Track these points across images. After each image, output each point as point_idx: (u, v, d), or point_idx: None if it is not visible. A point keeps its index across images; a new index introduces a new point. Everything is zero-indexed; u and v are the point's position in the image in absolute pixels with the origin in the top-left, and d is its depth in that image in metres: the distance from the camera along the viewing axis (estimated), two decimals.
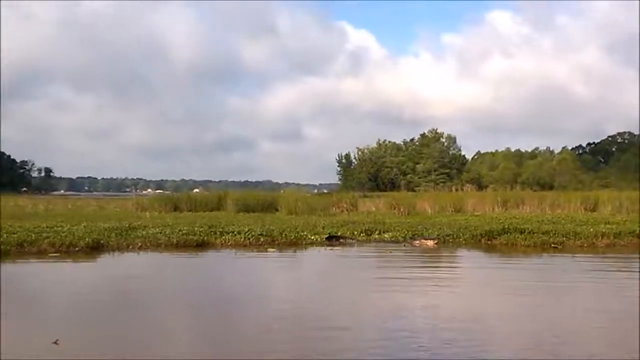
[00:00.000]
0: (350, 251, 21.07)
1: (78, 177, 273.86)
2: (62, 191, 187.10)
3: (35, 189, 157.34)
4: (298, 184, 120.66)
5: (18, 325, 10.20)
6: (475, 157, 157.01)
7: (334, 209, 38.22)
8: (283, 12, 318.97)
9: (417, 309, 11.61)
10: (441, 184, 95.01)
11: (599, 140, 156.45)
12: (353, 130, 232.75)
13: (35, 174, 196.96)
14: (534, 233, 23.14)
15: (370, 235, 24.01)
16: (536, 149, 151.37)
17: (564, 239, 22.47)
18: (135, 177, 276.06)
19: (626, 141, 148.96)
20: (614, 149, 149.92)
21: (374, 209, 39.74)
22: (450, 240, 22.92)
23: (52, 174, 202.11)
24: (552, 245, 21.77)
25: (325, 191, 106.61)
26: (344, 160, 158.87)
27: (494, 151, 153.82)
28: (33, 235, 20.54)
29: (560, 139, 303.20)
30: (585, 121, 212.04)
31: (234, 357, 8.35)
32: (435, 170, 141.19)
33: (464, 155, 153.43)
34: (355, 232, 24.16)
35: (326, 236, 23.09)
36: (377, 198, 47.77)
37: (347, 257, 20.03)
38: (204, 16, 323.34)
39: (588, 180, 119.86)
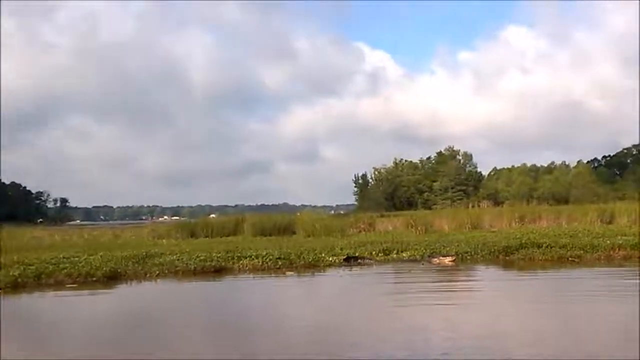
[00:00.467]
0: (369, 271, 20.93)
1: (94, 207, 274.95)
2: (78, 221, 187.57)
3: (51, 220, 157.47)
4: (315, 206, 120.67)
5: None
6: (492, 173, 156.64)
7: (351, 229, 38.07)
8: (300, 34, 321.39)
9: (438, 326, 11.55)
10: (458, 202, 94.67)
11: (614, 153, 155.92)
12: (370, 150, 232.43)
13: (51, 205, 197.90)
14: (551, 247, 23.05)
15: (389, 254, 23.88)
16: (552, 163, 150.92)
17: (582, 252, 22.37)
18: (151, 205, 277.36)
19: None
20: (629, 161, 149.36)
21: (391, 228, 39.62)
22: (468, 257, 22.83)
23: (67, 204, 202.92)
24: (570, 258, 21.70)
25: (342, 212, 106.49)
26: (360, 181, 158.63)
27: (510, 167, 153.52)
28: (50, 266, 20.46)
29: (577, 153, 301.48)
30: (601, 134, 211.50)
31: None
32: (452, 188, 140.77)
33: (480, 172, 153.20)
34: (374, 252, 24.02)
35: (344, 257, 22.98)
36: (395, 217, 47.58)
37: (366, 278, 19.89)
38: (222, 40, 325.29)
39: (604, 193, 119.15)
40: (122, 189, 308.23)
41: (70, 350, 10.85)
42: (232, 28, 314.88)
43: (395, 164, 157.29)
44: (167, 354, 10.35)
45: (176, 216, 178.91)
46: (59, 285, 18.79)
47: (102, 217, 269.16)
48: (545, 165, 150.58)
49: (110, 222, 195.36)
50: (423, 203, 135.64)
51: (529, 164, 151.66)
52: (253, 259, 22.32)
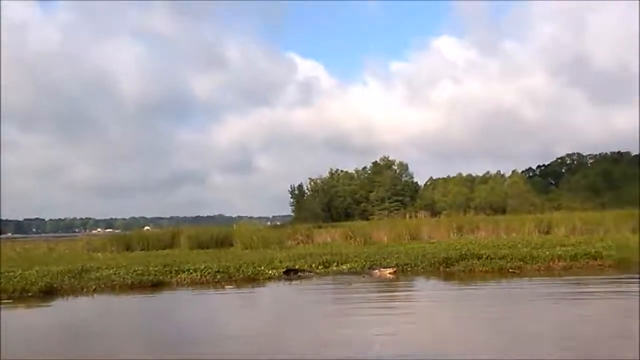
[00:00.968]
0: (309, 285, 20.78)
1: (25, 219, 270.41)
2: (9, 234, 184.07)
3: None
4: (251, 217, 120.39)
5: None
6: (428, 183, 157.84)
7: (289, 241, 37.94)
8: (231, 43, 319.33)
9: (378, 338, 11.43)
10: (395, 212, 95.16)
11: (548, 163, 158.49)
12: (305, 160, 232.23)
13: None
14: (491, 258, 23.19)
15: (329, 267, 23.76)
16: (487, 173, 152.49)
17: (521, 263, 22.57)
18: (84, 217, 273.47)
19: (575, 162, 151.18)
20: (563, 171, 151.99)
21: (329, 239, 39.47)
22: (409, 269, 22.81)
23: None
24: (510, 270, 21.82)
25: (278, 223, 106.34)
26: (296, 191, 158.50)
27: (446, 177, 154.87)
28: None
29: (511, 162, 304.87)
30: (534, 144, 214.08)
31: None
32: (388, 198, 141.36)
33: (416, 182, 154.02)
34: (313, 265, 23.90)
35: (284, 270, 22.75)
36: (332, 228, 47.55)
37: (306, 291, 19.74)
38: (152, 49, 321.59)
39: (540, 202, 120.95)
40: (53, 201, 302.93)
41: None
42: (162, 37, 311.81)
43: (331, 174, 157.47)
44: None
45: (110, 228, 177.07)
46: None
47: (34, 229, 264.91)
48: (481, 175, 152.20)
49: (43, 234, 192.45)
50: (360, 214, 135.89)
51: (464, 174, 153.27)
52: (191, 273, 22.06)
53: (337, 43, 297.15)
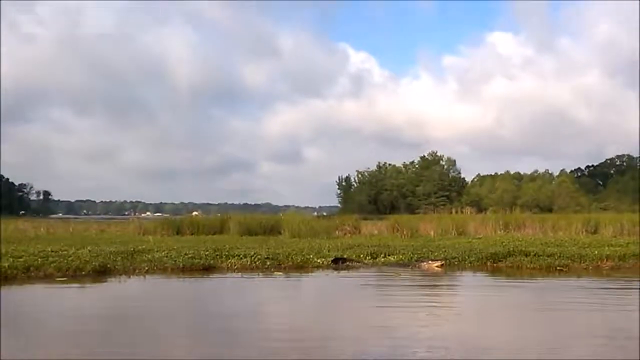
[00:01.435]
0: (357, 274, 20.97)
1: (76, 201, 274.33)
2: (60, 214, 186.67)
3: (34, 212, 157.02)
4: (297, 207, 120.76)
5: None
6: (475, 179, 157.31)
7: (337, 232, 38.21)
8: (285, 33, 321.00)
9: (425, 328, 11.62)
10: (441, 207, 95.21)
11: (597, 163, 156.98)
12: (354, 152, 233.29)
13: (33, 197, 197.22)
14: (539, 256, 23.17)
15: (376, 258, 23.88)
16: (535, 171, 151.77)
17: (569, 261, 22.52)
18: (133, 200, 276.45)
19: (625, 164, 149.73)
20: (612, 172, 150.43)
21: (376, 232, 39.65)
22: (456, 262, 22.89)
23: (50, 197, 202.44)
24: (558, 267, 21.82)
25: (324, 214, 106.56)
26: (344, 183, 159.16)
27: (493, 174, 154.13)
28: (39, 259, 20.41)
29: (561, 162, 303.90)
30: (585, 144, 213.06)
31: None
32: (435, 193, 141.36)
33: (463, 178, 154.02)
34: (362, 255, 24.10)
35: (332, 259, 22.97)
36: (379, 221, 47.74)
37: (355, 280, 19.92)
38: (205, 37, 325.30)
39: (587, 202, 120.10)
40: (104, 184, 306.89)
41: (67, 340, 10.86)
42: (215, 25, 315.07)
43: (379, 167, 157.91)
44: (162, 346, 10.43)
45: (159, 212, 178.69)
46: (48, 278, 18.71)
47: (84, 211, 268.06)
48: (529, 173, 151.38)
49: (93, 216, 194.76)
50: (406, 207, 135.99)
51: (512, 172, 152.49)
52: (241, 258, 22.29)
53: (390, 36, 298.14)
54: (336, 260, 22.84)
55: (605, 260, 22.83)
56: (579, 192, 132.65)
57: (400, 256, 24.00)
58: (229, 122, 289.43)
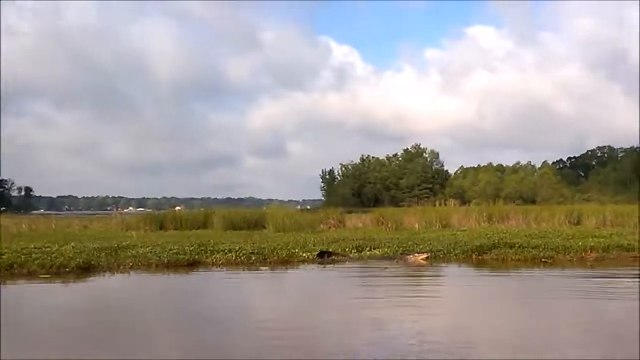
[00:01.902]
0: (343, 267, 20.96)
1: (58, 196, 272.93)
2: (42, 210, 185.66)
3: (15, 209, 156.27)
4: (281, 200, 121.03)
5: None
6: (458, 171, 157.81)
7: (321, 225, 38.17)
8: (267, 27, 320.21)
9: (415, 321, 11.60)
10: (425, 199, 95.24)
11: (579, 155, 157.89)
12: (337, 145, 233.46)
13: (14, 193, 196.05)
14: (523, 247, 23.20)
15: (362, 251, 23.85)
16: (518, 163, 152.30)
17: (554, 253, 22.55)
18: (116, 195, 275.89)
19: (606, 155, 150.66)
20: (593, 163, 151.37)
21: (360, 225, 39.60)
22: (441, 255, 22.86)
23: (32, 193, 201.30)
24: (542, 259, 21.86)
25: (308, 207, 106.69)
26: (327, 176, 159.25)
27: (476, 166, 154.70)
28: (22, 256, 20.31)
29: (542, 154, 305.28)
30: (566, 136, 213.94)
31: None
32: (418, 186, 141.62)
33: (446, 171, 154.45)
34: (347, 249, 24.07)
35: (317, 253, 22.90)
36: (363, 214, 47.69)
37: (341, 273, 19.91)
38: (189, 31, 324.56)
39: (569, 194, 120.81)
40: (86, 179, 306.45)
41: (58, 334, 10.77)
42: (197, 19, 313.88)
43: (362, 160, 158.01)
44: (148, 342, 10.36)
45: (141, 207, 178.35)
46: (31, 275, 18.57)
47: (66, 207, 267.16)
48: (511, 165, 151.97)
49: (75, 212, 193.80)
50: (390, 200, 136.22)
51: (495, 164, 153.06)
52: (226, 253, 22.23)
53: (372, 29, 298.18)
54: (322, 254, 22.79)
55: (589, 251, 22.89)
56: (560, 183, 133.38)
57: (386, 249, 23.97)
58: (212, 116, 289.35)
